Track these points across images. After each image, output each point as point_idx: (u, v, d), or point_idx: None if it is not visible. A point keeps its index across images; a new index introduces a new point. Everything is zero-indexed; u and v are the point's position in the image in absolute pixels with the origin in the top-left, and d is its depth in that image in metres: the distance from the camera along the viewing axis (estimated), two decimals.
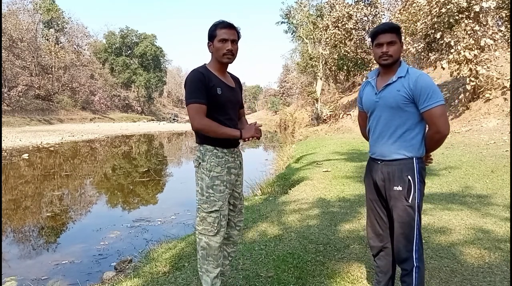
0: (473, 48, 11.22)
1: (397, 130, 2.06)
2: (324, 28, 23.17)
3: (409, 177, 2.03)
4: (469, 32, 11.40)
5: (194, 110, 2.10)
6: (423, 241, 3.33)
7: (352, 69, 26.84)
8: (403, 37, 14.98)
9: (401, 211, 2.05)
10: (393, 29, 2.06)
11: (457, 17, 11.72)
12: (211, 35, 2.19)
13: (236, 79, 2.39)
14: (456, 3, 11.44)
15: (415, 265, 2.03)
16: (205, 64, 2.27)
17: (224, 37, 2.15)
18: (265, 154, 17.81)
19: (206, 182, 2.19)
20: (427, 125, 2.09)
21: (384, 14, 23.87)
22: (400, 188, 2.04)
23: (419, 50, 14.42)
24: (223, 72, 2.28)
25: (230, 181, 2.25)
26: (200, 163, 2.22)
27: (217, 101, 2.17)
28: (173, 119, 59.70)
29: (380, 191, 2.17)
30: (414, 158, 2.05)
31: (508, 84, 11.20)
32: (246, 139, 2.18)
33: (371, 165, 2.24)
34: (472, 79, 11.46)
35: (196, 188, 2.25)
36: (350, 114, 20.67)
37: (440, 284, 2.62)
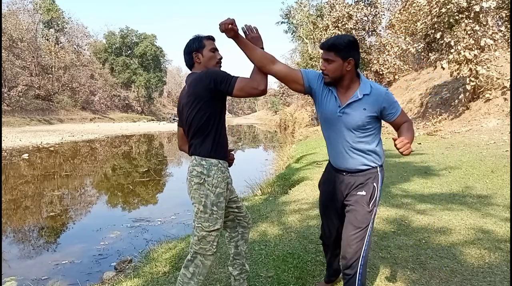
0: (473, 48, 11.22)
1: (359, 146, 2.06)
2: (324, 28, 23.14)
3: (374, 184, 2.08)
4: (469, 32, 11.40)
5: (245, 79, 2.06)
6: (423, 241, 3.36)
7: None
8: (403, 37, 15.01)
9: (359, 216, 2.05)
10: (331, 47, 1.96)
11: (457, 17, 11.71)
12: (199, 46, 2.20)
13: None
14: (456, 3, 11.43)
15: (358, 271, 2.05)
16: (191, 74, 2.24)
17: (214, 46, 2.23)
18: (265, 154, 17.82)
19: (211, 199, 2.08)
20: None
21: (384, 14, 23.84)
22: (364, 193, 2.07)
23: (419, 50, 14.43)
24: None
25: (226, 197, 2.20)
26: (204, 178, 2.08)
27: (224, 103, 2.20)
28: (173, 119, 59.58)
29: (337, 197, 2.19)
30: (378, 167, 2.12)
31: (508, 84, 11.20)
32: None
33: (333, 175, 2.21)
34: (472, 79, 11.46)
35: (196, 206, 2.11)
36: None
37: (440, 284, 2.62)
